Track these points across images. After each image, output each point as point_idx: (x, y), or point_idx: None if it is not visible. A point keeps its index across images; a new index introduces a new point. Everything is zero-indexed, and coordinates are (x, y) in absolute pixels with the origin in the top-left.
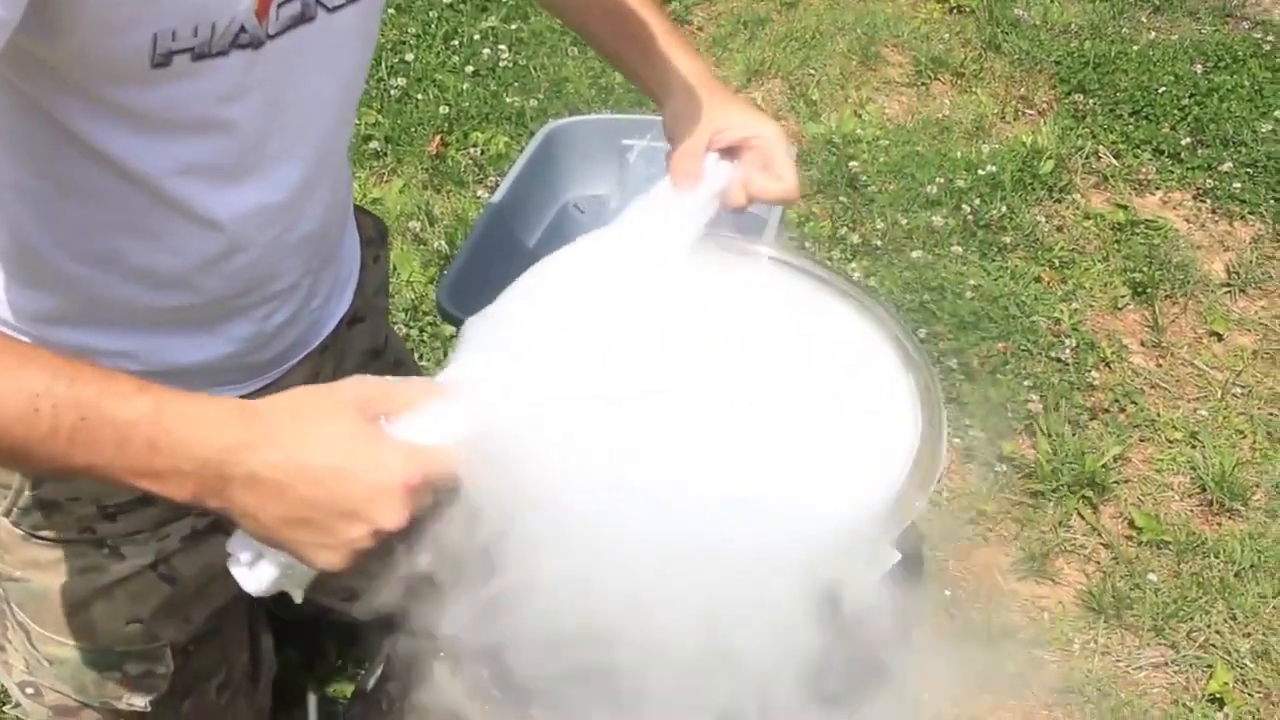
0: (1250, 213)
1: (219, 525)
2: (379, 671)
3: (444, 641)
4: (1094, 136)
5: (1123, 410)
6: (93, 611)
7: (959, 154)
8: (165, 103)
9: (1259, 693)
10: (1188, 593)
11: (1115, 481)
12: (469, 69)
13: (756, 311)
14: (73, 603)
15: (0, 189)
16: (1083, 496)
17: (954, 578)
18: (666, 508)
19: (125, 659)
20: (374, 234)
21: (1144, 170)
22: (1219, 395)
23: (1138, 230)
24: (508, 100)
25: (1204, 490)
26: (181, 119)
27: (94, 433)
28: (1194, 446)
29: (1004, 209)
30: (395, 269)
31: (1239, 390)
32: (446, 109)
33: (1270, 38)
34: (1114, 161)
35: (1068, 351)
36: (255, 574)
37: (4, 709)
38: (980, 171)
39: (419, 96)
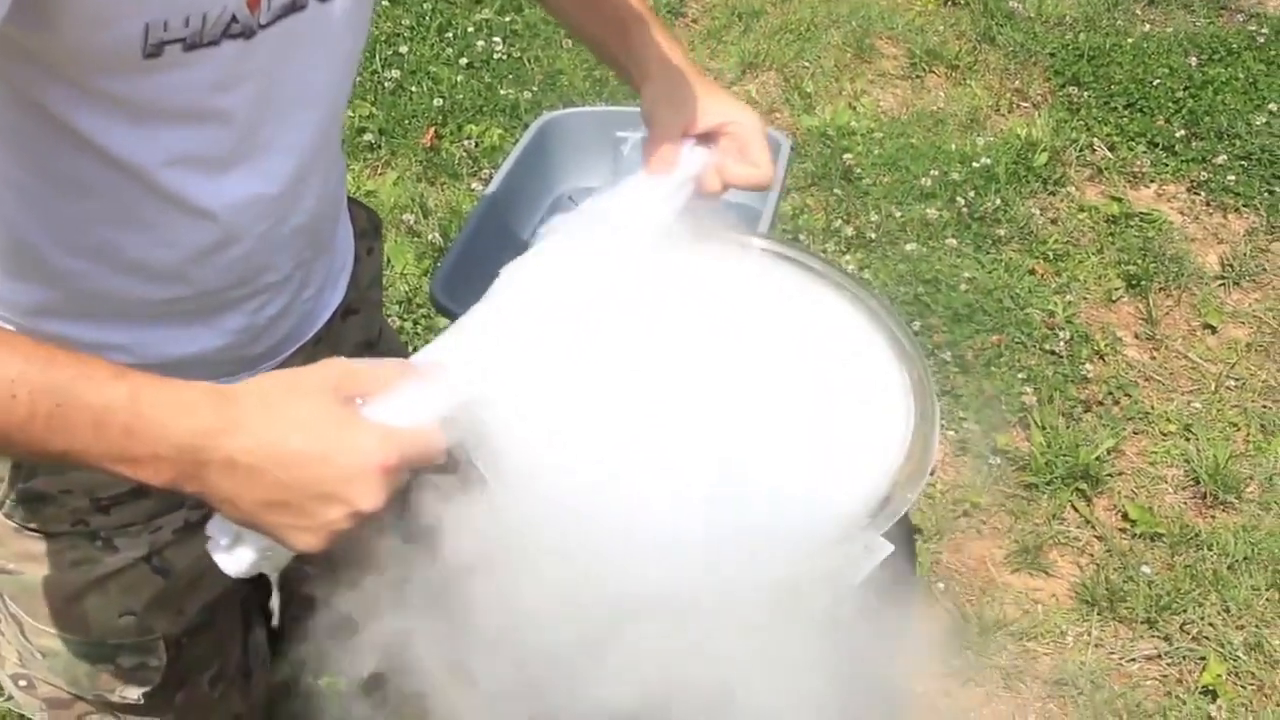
0: (1244, 205)
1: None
2: (372, 661)
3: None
4: (1088, 129)
5: (1116, 403)
6: (85, 604)
7: (953, 146)
8: (157, 92)
9: (1252, 685)
10: (1181, 585)
11: (1109, 474)
12: (463, 61)
13: (750, 303)
14: (65, 595)
15: None
16: (1076, 489)
17: (947, 570)
18: (654, 498)
19: (118, 651)
20: (367, 226)
21: (1138, 163)
22: (1213, 388)
23: (1132, 223)
24: (502, 92)
25: (1197, 483)
26: (173, 108)
27: (70, 418)
28: (1188, 439)
29: (998, 201)
30: (389, 261)
31: (1233, 383)
32: (441, 101)
33: (1265, 30)
34: (1108, 154)
35: (1062, 344)
36: (234, 556)
37: None
38: (975, 164)
39: (413, 89)
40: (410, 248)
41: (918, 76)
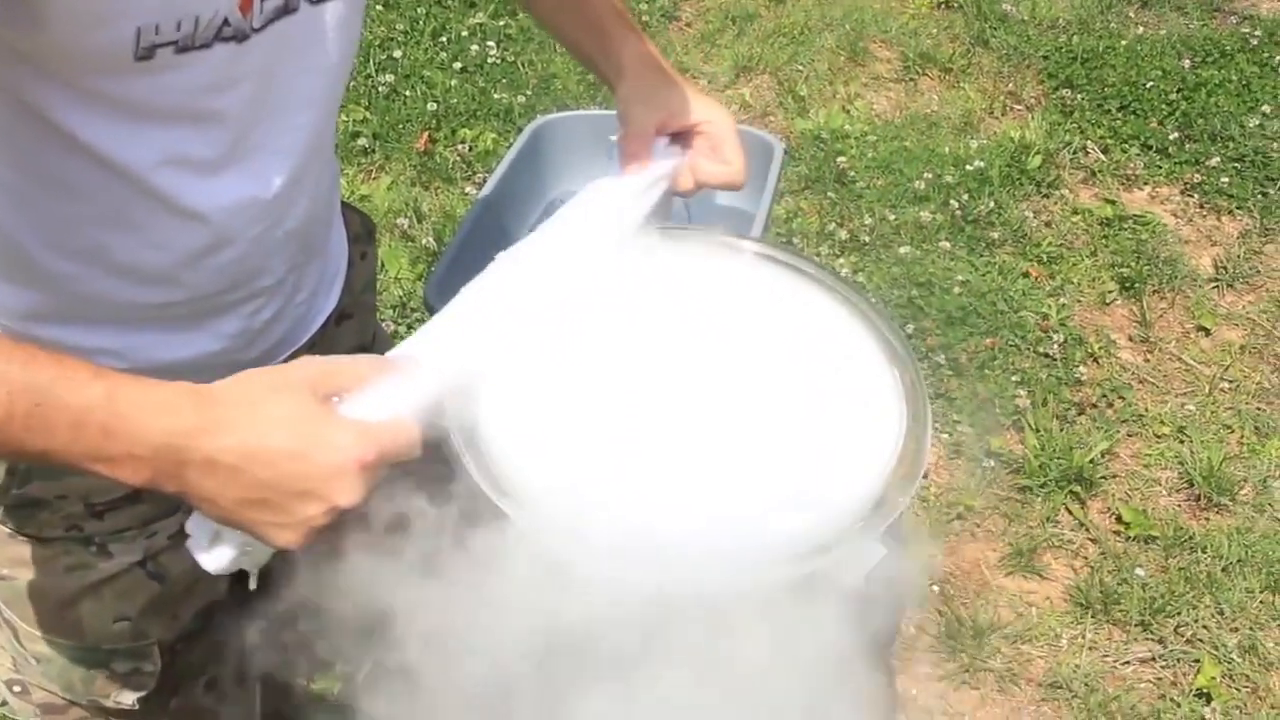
0: (1238, 207)
1: None
2: (366, 668)
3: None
4: (1082, 132)
5: (1110, 405)
6: (80, 609)
7: (947, 149)
8: (149, 93)
9: (1246, 687)
10: (1175, 588)
11: (1103, 476)
12: (457, 65)
13: (742, 306)
14: (60, 601)
15: None
16: (1070, 491)
17: (941, 573)
18: (643, 503)
19: (113, 657)
20: (361, 230)
21: (1132, 165)
22: (1206, 390)
23: (1125, 225)
24: (496, 96)
25: (1191, 485)
26: (165, 109)
27: (48, 418)
28: (1181, 441)
29: (992, 204)
30: (383, 266)
31: (1226, 385)
32: (434, 105)
33: (1258, 33)
34: (1102, 156)
35: (1055, 347)
36: (214, 554)
37: None
38: (968, 167)
39: (407, 93)
40: (404, 252)
41: (911, 79)
